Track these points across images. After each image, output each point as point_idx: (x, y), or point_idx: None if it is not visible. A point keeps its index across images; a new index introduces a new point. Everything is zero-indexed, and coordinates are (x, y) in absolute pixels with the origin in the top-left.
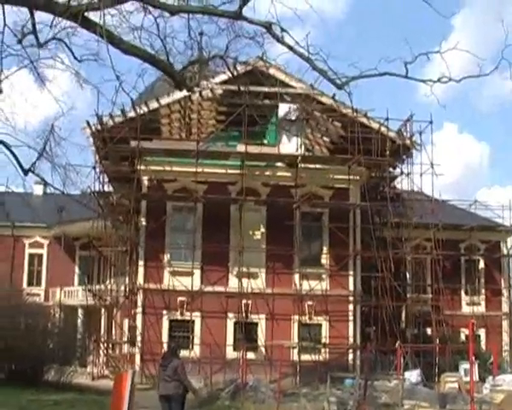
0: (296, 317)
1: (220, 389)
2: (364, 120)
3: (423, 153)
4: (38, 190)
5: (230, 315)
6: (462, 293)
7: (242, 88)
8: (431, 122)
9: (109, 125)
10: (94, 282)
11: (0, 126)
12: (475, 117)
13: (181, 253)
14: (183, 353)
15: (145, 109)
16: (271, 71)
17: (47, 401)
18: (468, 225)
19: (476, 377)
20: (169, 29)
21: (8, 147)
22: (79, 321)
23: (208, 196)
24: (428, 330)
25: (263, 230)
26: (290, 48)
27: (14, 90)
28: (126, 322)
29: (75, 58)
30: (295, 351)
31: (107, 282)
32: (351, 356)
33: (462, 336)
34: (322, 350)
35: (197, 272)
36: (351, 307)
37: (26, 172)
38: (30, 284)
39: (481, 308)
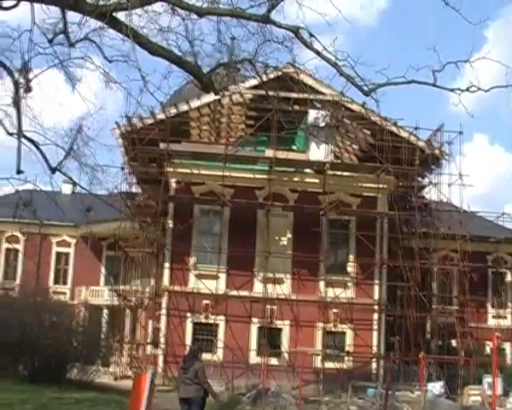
0: (320, 324)
1: (241, 394)
2: (394, 129)
3: (452, 163)
4: (67, 189)
5: (255, 320)
6: (489, 306)
7: (272, 93)
8: (461, 133)
9: (138, 127)
10: (119, 282)
11: (28, 124)
12: (506, 129)
13: (207, 256)
14: (206, 356)
15: (175, 112)
16: (302, 77)
17: (68, 399)
18: (496, 237)
19: (500, 390)
20: (197, 31)
21: (36, 145)
22: (104, 321)
23: (235, 201)
24: (453, 342)
25: (289, 235)
26: (318, 53)
27: (43, 88)
28: (150, 323)
29: (105, 58)
30: (319, 358)
31: (133, 283)
32: (374, 365)
33: (487, 349)
34: (346, 358)
35: (222, 276)
36: (375, 315)
37: (53, 170)
38: (56, 282)
39: (507, 322)
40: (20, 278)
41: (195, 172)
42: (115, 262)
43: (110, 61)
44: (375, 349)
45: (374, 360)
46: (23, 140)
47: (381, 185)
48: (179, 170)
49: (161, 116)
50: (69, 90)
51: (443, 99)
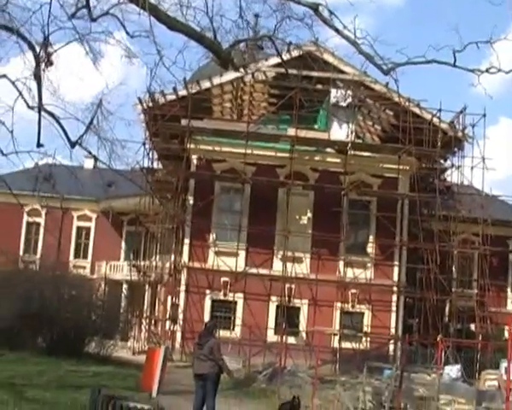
0: (339, 304)
1: (258, 372)
2: (417, 110)
3: (475, 146)
4: (89, 164)
5: (273, 298)
6: (508, 290)
7: (294, 72)
8: (484, 115)
9: (161, 103)
10: (139, 258)
11: (49, 99)
12: None
13: (227, 233)
14: (224, 333)
15: (197, 88)
16: (325, 56)
17: (85, 373)
18: None
19: None
20: (217, 7)
21: (56, 119)
22: (123, 296)
23: (256, 178)
24: (472, 326)
25: (309, 215)
26: (337, 31)
27: (65, 63)
28: (169, 299)
29: (127, 33)
30: (336, 338)
31: (153, 258)
32: (392, 347)
33: (506, 334)
34: (363, 339)
35: (242, 254)
36: (394, 297)
37: (73, 144)
38: (77, 256)
39: None
40: (40, 251)
41: (217, 149)
42: (135, 238)
43: (132, 37)
44: (392, 331)
45: (391, 341)
46: (43, 114)
47: (402, 167)
48: (201, 147)
49: (183, 93)
50: (90, 66)
51: (468, 82)
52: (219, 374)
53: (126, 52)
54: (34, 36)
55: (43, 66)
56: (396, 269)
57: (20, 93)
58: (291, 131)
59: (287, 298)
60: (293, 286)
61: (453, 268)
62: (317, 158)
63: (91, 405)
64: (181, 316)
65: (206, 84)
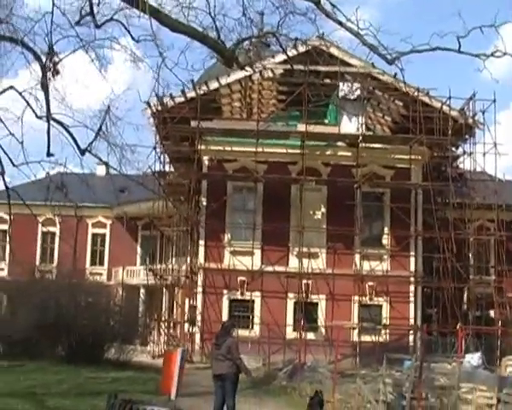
0: (356, 297)
1: (278, 369)
2: (426, 99)
3: (486, 132)
4: (101, 171)
5: (290, 295)
6: None
7: (301, 68)
8: (494, 101)
9: (169, 106)
10: (155, 261)
11: (57, 107)
12: None
13: (241, 232)
14: (243, 332)
15: (205, 89)
16: (331, 50)
17: (105, 379)
18: None
19: None
20: (218, 6)
21: (65, 127)
22: (141, 300)
23: (268, 176)
24: (491, 313)
25: (323, 210)
26: (340, 23)
27: (71, 71)
28: (187, 301)
29: (133, 38)
30: (355, 332)
31: (169, 261)
32: (411, 338)
33: None
34: (383, 331)
35: (257, 252)
36: (412, 288)
37: (82, 152)
38: (93, 263)
39: None
40: (56, 260)
41: (228, 148)
42: (151, 242)
43: (137, 41)
44: (411, 322)
45: (411, 332)
46: (52, 123)
47: (414, 156)
48: (211, 147)
49: (192, 94)
50: (96, 72)
51: (476, 68)
52: (238, 374)
53: (132, 57)
54: (39, 46)
55: (49, 75)
56: (412, 259)
57: (28, 103)
58: (301, 127)
59: (304, 294)
60: (310, 282)
61: (470, 255)
62: (328, 152)
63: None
64: (199, 317)
65: (214, 85)
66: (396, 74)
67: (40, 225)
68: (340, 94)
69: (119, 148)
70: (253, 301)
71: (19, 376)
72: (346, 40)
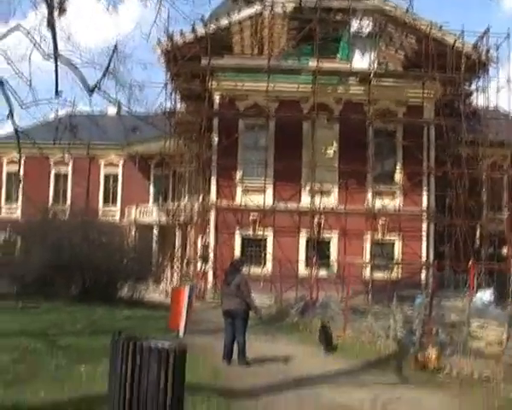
0: (368, 235)
1: (290, 307)
2: (439, 35)
3: (500, 68)
4: (112, 111)
5: (303, 232)
6: None
7: (313, 3)
8: (508, 36)
9: (180, 44)
10: (168, 200)
11: (64, 47)
12: None
13: (253, 170)
14: (256, 270)
15: (216, 26)
16: None
17: (118, 317)
18: None
19: None
20: None
21: (73, 66)
22: (154, 239)
23: (280, 114)
24: (503, 250)
25: (335, 147)
26: None
27: (78, 9)
28: (200, 239)
29: None
30: (367, 269)
31: (181, 200)
32: (424, 275)
33: None
34: (395, 268)
35: (269, 190)
36: (424, 225)
37: (91, 90)
38: (106, 203)
39: None
40: (69, 201)
41: (239, 86)
42: (163, 180)
43: None
44: (424, 259)
45: (423, 269)
46: (60, 62)
47: (426, 93)
48: (223, 84)
49: (202, 32)
50: (105, 10)
51: (490, 4)
52: (248, 311)
53: None
54: None
55: (55, 13)
56: (425, 196)
57: (35, 43)
58: (312, 64)
59: (316, 231)
60: (322, 219)
61: (482, 193)
62: (340, 89)
63: (112, 348)
64: (212, 255)
65: (224, 22)
66: (408, 9)
67: (52, 167)
68: (352, 30)
69: (128, 86)
70: (266, 239)
71: (32, 316)
72: None
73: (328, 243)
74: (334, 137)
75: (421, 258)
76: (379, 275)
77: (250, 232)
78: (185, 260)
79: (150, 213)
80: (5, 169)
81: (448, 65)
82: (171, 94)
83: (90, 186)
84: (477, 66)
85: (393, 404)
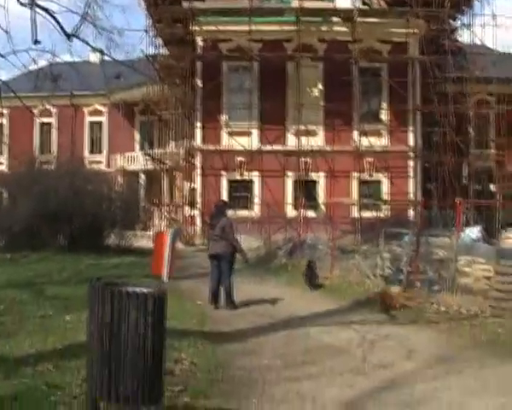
0: (356, 174)
1: (279, 248)
2: None
3: (485, 4)
4: (94, 58)
5: (289, 174)
6: None
7: None
8: None
9: None
10: (154, 146)
11: None
12: None
13: (238, 113)
14: (243, 213)
15: None
16: None
17: (105, 265)
18: None
19: None
20: None
21: (50, 13)
22: (141, 186)
23: (264, 55)
24: (491, 186)
25: (320, 87)
26: None
27: None
28: (186, 184)
29: None
30: (355, 208)
31: (167, 146)
32: (412, 213)
33: None
34: (383, 207)
35: (255, 132)
36: (411, 163)
37: (69, 36)
38: (91, 152)
39: None
40: (55, 151)
41: (221, 28)
42: (148, 127)
43: None
44: (411, 197)
45: (411, 207)
46: (37, 9)
47: (411, 30)
48: (205, 28)
49: None
50: None
51: None
52: (234, 253)
53: None
54: None
55: None
56: (411, 134)
57: None
58: (295, 3)
59: (303, 172)
60: (308, 160)
61: (469, 130)
62: (323, 28)
63: (89, 294)
64: (199, 200)
65: None
66: None
67: (37, 117)
68: None
69: (107, 31)
70: (252, 182)
71: (21, 267)
72: None
73: (316, 183)
74: (319, 76)
75: (409, 196)
76: (367, 214)
77: (237, 175)
78: (173, 206)
79: (136, 161)
80: None
81: (432, 1)
82: (153, 39)
83: (76, 135)
84: (461, 1)
85: (381, 341)
